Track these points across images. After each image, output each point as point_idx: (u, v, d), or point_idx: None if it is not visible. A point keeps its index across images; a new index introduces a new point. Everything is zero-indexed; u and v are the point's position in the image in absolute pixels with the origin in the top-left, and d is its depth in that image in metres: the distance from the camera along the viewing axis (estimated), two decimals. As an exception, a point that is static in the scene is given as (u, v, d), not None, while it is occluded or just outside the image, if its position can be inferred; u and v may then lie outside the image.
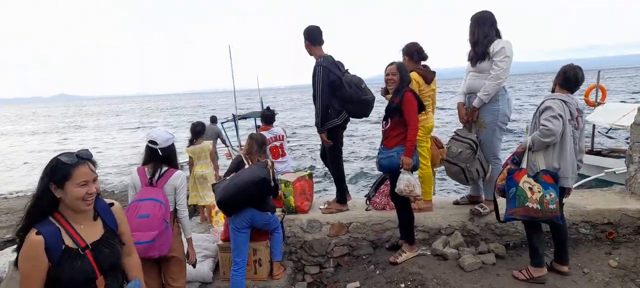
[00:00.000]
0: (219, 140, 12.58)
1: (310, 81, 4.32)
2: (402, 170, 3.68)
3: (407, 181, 3.66)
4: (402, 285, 3.62)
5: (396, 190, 3.72)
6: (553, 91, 3.44)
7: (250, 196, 3.66)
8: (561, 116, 3.17)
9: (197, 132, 5.73)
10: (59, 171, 1.85)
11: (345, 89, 4.25)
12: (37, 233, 1.78)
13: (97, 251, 1.95)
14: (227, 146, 13.58)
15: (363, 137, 24.27)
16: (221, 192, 3.65)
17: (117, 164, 20.29)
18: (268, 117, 5.75)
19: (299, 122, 35.96)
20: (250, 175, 3.66)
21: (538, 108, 3.36)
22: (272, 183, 3.69)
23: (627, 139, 14.18)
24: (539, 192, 3.16)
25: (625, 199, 4.32)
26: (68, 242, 1.87)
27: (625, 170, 4.68)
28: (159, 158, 3.17)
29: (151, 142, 3.16)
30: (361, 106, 4.34)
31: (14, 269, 2.79)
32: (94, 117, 67.50)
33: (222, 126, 15.22)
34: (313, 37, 4.33)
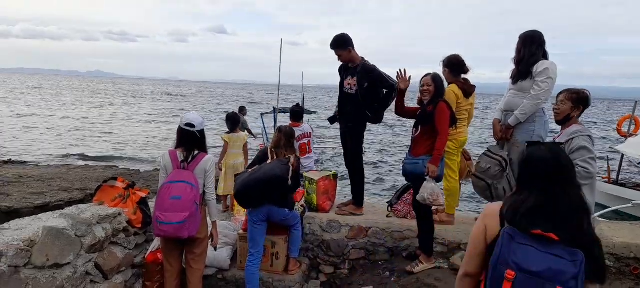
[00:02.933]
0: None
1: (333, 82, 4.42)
2: (427, 178, 3.68)
3: (431, 190, 3.65)
4: (417, 295, 3.62)
5: (418, 198, 3.71)
6: (569, 117, 3.33)
7: (266, 192, 3.69)
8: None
9: (236, 121, 5.83)
10: None
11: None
12: None
13: None
14: (255, 136, 13.72)
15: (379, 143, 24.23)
16: (239, 184, 3.72)
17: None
18: (297, 114, 5.80)
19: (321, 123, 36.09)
20: (268, 171, 3.69)
21: (564, 143, 3.23)
22: (290, 182, 3.69)
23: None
24: None
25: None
26: None
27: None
28: (194, 141, 3.26)
29: (188, 125, 3.24)
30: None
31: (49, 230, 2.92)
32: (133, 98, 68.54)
33: (263, 118, 15.39)
34: (351, 42, 4.39)
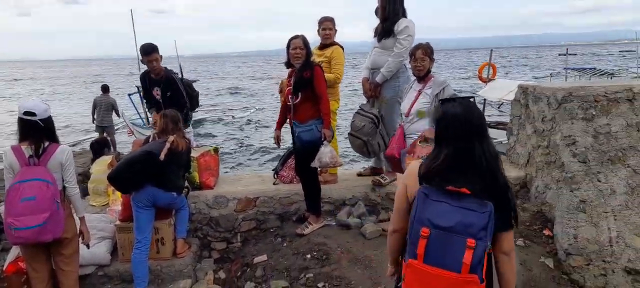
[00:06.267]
0: (114, 114, 11.60)
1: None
2: (325, 142, 3.76)
3: (330, 153, 3.75)
4: (309, 256, 3.73)
5: (317, 164, 3.76)
6: (429, 70, 3.70)
7: (139, 171, 3.50)
8: None
9: (96, 150, 5.27)
10: None
11: None
12: None
13: None
14: (124, 121, 12.57)
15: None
16: (113, 169, 3.56)
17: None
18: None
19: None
20: (139, 150, 3.55)
21: (437, 94, 3.57)
22: (162, 158, 3.51)
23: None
24: None
25: (505, 167, 4.82)
26: None
27: (507, 141, 5.21)
28: (40, 131, 2.86)
29: (27, 113, 2.82)
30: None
31: None
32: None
33: (131, 99, 14.02)
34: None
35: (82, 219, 3.17)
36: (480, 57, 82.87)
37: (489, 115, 14.98)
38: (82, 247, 3.25)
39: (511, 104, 5.04)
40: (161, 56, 4.42)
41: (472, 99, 1.88)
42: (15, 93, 41.51)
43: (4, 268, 3.40)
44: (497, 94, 11.76)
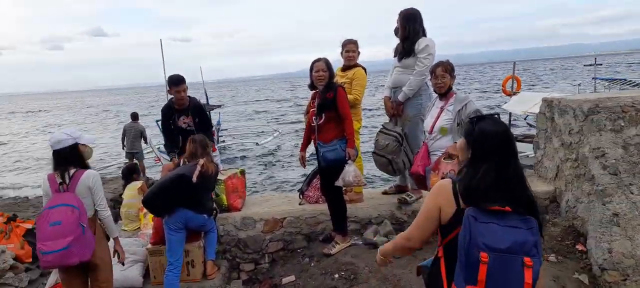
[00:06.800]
0: (142, 140, 11.88)
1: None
2: (348, 161, 3.81)
3: (353, 172, 3.80)
4: (336, 276, 3.73)
5: (341, 183, 3.81)
6: (450, 87, 3.70)
7: (173, 194, 3.60)
8: None
9: (126, 176, 5.47)
10: None
11: None
12: None
13: None
14: (152, 148, 12.83)
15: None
16: (147, 192, 3.69)
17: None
18: None
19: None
20: (172, 174, 3.66)
21: (459, 110, 3.57)
22: (195, 180, 3.61)
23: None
24: None
25: (533, 182, 4.75)
26: None
27: (534, 155, 5.13)
28: (66, 158, 3.01)
29: (54, 144, 3.01)
30: None
31: None
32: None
33: (158, 124, 14.38)
34: None
35: (116, 240, 3.26)
36: (505, 70, 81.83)
37: (515, 128, 14.72)
38: (116, 271, 3.35)
39: (536, 118, 4.98)
40: (187, 87, 4.54)
41: (497, 116, 1.90)
42: (47, 123, 43.31)
43: None
44: (522, 107, 11.55)
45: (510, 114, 12.56)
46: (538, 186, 4.54)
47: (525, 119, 15.04)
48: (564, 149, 4.19)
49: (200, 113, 4.66)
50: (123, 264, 3.40)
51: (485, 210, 1.65)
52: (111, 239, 3.25)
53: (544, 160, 4.74)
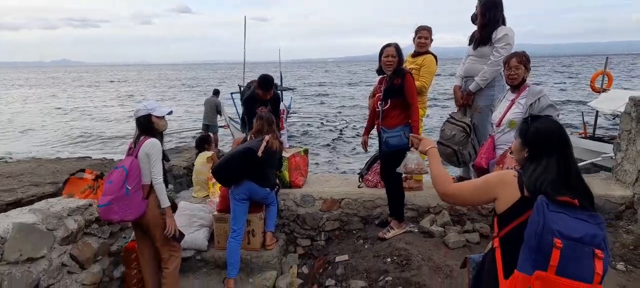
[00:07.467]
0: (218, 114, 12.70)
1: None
2: (412, 149, 3.80)
3: (416, 159, 3.78)
4: (389, 260, 3.77)
5: (403, 170, 3.81)
6: (524, 79, 3.53)
7: (241, 167, 3.81)
8: None
9: (198, 145, 5.85)
10: None
11: None
12: None
13: None
14: (224, 117, 13.52)
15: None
16: (217, 163, 3.96)
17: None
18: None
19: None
20: (241, 147, 3.89)
21: (532, 104, 3.41)
22: (260, 154, 3.77)
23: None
24: None
25: (610, 185, 4.44)
26: None
27: (614, 157, 4.77)
28: (139, 127, 3.32)
29: (134, 115, 3.35)
30: None
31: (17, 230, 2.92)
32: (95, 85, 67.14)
33: (233, 97, 15.07)
34: None
35: (167, 210, 3.35)
36: (595, 65, 75.29)
37: (599, 127, 13.55)
38: (187, 232, 3.61)
39: (621, 117, 4.62)
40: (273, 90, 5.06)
41: (531, 105, 1.90)
42: (131, 90, 46.85)
43: (127, 244, 3.94)
44: (611, 106, 10.59)
45: (596, 112, 11.56)
46: (615, 190, 4.25)
47: (614, 118, 13.80)
48: (648, 153, 3.87)
49: (274, 104, 5.15)
50: (173, 237, 3.39)
51: (555, 200, 1.66)
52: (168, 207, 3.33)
53: (624, 163, 4.41)
